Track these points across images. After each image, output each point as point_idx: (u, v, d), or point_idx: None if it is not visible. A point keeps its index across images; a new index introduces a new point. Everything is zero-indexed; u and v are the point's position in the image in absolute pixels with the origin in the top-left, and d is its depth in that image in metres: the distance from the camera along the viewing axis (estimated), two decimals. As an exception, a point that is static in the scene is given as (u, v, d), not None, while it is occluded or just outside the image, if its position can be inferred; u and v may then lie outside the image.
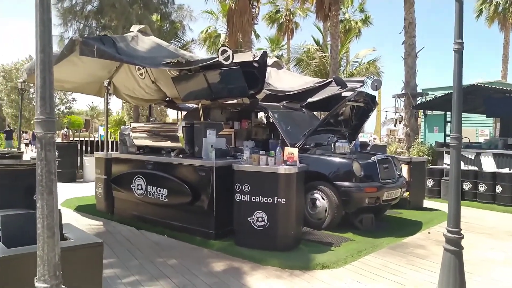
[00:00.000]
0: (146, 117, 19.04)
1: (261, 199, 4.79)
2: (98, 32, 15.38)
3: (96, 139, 13.63)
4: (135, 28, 7.02)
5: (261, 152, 5.17)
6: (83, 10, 15.64)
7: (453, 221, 2.65)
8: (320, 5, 14.94)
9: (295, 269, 4.29)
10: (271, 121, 8.16)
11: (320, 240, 5.33)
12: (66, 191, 9.02)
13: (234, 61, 5.54)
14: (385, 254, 4.94)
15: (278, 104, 7.36)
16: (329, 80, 8.38)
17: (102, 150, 12.62)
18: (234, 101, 7.55)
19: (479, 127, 18.38)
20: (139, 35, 6.74)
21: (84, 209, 7.21)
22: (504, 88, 8.96)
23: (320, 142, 6.71)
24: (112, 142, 12.73)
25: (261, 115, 8.30)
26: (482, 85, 8.90)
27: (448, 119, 10.93)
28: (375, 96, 6.76)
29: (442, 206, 8.34)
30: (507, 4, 28.98)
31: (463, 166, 9.82)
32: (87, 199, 8.08)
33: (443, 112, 14.32)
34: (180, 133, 5.58)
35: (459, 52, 2.58)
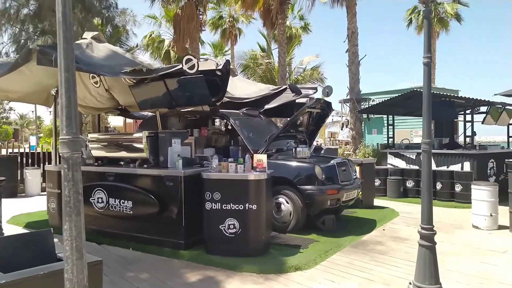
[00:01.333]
0: (93, 126, 18.15)
1: (232, 206, 4.86)
2: (35, 37, 14.47)
3: (31, 150, 12.69)
4: (88, 35, 6.77)
5: (229, 159, 5.24)
6: (18, 13, 14.62)
7: (426, 219, 2.92)
8: (267, 13, 15.32)
9: (270, 273, 4.40)
10: (229, 128, 8.26)
11: (287, 243, 5.50)
12: (9, 207, 8.38)
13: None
14: (349, 253, 5.22)
15: (237, 111, 7.46)
16: (284, 87, 8.65)
17: (42, 163, 11.89)
18: (193, 109, 7.55)
19: (413, 128, 19.85)
20: (93, 42, 6.51)
21: (35, 226, 6.76)
22: (440, 93, 9.81)
23: (281, 147, 6.91)
24: (42, 153, 12.00)
25: (219, 122, 8.33)
26: (421, 90, 9.66)
27: (390, 122, 11.73)
28: (331, 103, 7.12)
29: (389, 204, 8.94)
30: (433, 15, 31.68)
31: (405, 166, 10.59)
32: (36, 215, 7.60)
33: (382, 116, 15.32)
34: (144, 143, 5.48)
35: (428, 65, 2.87)
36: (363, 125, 14.53)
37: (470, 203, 6.93)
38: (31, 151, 12.28)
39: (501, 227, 6.49)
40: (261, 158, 4.99)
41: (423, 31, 2.93)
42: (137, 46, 20.71)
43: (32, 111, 45.05)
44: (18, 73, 6.12)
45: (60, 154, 1.43)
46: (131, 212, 5.52)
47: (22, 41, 14.45)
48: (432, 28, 32.02)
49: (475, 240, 5.92)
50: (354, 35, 12.89)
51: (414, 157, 10.32)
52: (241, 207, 4.84)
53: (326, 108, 7.00)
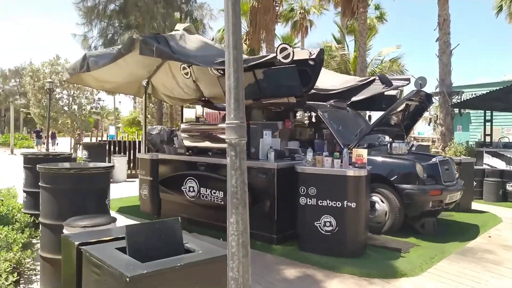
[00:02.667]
0: (171, 117, 18.88)
1: (329, 203, 4.60)
2: (121, 31, 15.27)
3: (109, 138, 13.39)
4: (180, 26, 6.88)
5: (324, 153, 4.98)
6: (105, 9, 15.53)
7: None
8: (348, 2, 14.70)
9: (373, 277, 4.08)
10: (313, 120, 7.98)
11: (384, 245, 5.11)
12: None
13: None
14: (457, 260, 4.72)
15: (325, 103, 7.15)
16: (372, 78, 8.17)
17: (128, 151, 12.57)
18: (277, 100, 7.39)
19: (505, 126, 18.02)
20: (185, 33, 6.58)
21: (127, 211, 7.08)
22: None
23: (372, 142, 6.50)
24: (128, 142, 12.61)
25: (304, 114, 8.08)
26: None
27: (488, 118, 10.66)
28: (431, 95, 6.53)
29: (488, 208, 8.10)
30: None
31: (504, 166, 9.55)
32: (127, 201, 7.96)
33: (468, 112, 13.82)
34: (236, 134, 5.41)
35: None
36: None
37: None
38: (117, 140, 13.01)
39: None
40: (361, 153, 4.66)
41: None
42: (212, 39, 21.12)
43: (120, 102, 48.05)
44: (114, 64, 6.37)
45: (227, 140, 1.28)
46: (222, 203, 5.49)
47: (110, 35, 15.32)
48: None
49: None
50: (446, 23, 11.85)
51: (516, 158, 9.27)
52: (338, 204, 4.56)
53: (425, 101, 6.43)
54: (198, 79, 7.84)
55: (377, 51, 21.69)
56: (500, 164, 9.59)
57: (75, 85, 12.57)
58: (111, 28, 15.47)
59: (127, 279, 1.73)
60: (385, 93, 7.87)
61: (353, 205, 4.53)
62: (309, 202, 4.71)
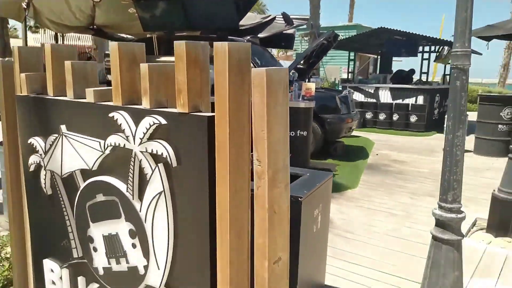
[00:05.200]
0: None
1: (284, 133, 5.03)
2: None
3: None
4: None
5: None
6: None
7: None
8: None
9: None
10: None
11: (316, 166, 5.91)
12: None
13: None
14: (372, 174, 5.87)
15: (242, 39, 7.27)
16: (274, 16, 8.54)
17: None
18: (192, 33, 7.17)
19: (343, 65, 21.14)
20: None
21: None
22: (404, 31, 10.59)
23: (290, 79, 7.06)
24: None
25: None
26: (388, 28, 10.41)
27: (352, 58, 12.46)
28: (338, 35, 7.33)
29: (355, 133, 9.87)
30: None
31: (363, 99, 11.55)
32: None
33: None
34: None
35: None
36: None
37: (423, 131, 8.40)
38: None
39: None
40: (310, 86, 5.17)
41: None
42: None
43: None
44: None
45: (460, 66, 1.49)
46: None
47: None
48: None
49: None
50: (317, -34, 12.86)
51: (372, 91, 11.28)
52: (292, 133, 5.04)
53: (332, 41, 7.21)
54: (100, 4, 6.87)
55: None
56: (360, 97, 11.53)
57: None
58: None
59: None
60: (284, 32, 8.42)
61: (304, 133, 5.09)
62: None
